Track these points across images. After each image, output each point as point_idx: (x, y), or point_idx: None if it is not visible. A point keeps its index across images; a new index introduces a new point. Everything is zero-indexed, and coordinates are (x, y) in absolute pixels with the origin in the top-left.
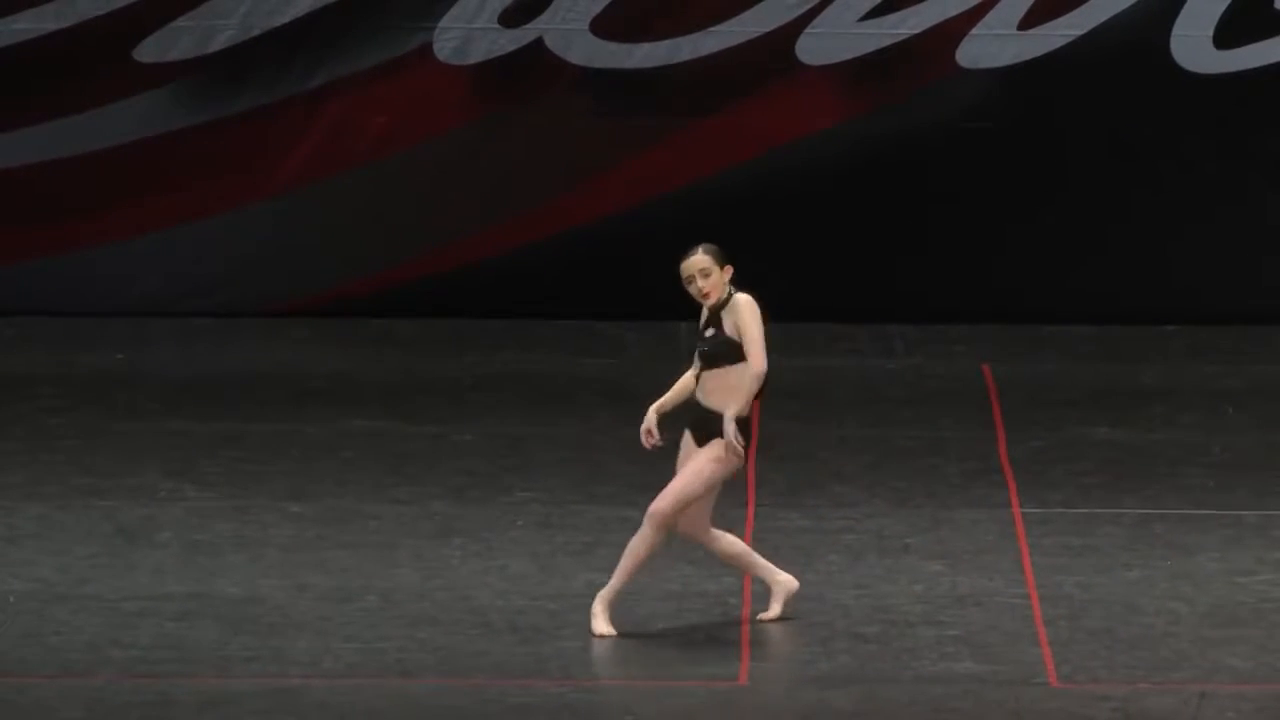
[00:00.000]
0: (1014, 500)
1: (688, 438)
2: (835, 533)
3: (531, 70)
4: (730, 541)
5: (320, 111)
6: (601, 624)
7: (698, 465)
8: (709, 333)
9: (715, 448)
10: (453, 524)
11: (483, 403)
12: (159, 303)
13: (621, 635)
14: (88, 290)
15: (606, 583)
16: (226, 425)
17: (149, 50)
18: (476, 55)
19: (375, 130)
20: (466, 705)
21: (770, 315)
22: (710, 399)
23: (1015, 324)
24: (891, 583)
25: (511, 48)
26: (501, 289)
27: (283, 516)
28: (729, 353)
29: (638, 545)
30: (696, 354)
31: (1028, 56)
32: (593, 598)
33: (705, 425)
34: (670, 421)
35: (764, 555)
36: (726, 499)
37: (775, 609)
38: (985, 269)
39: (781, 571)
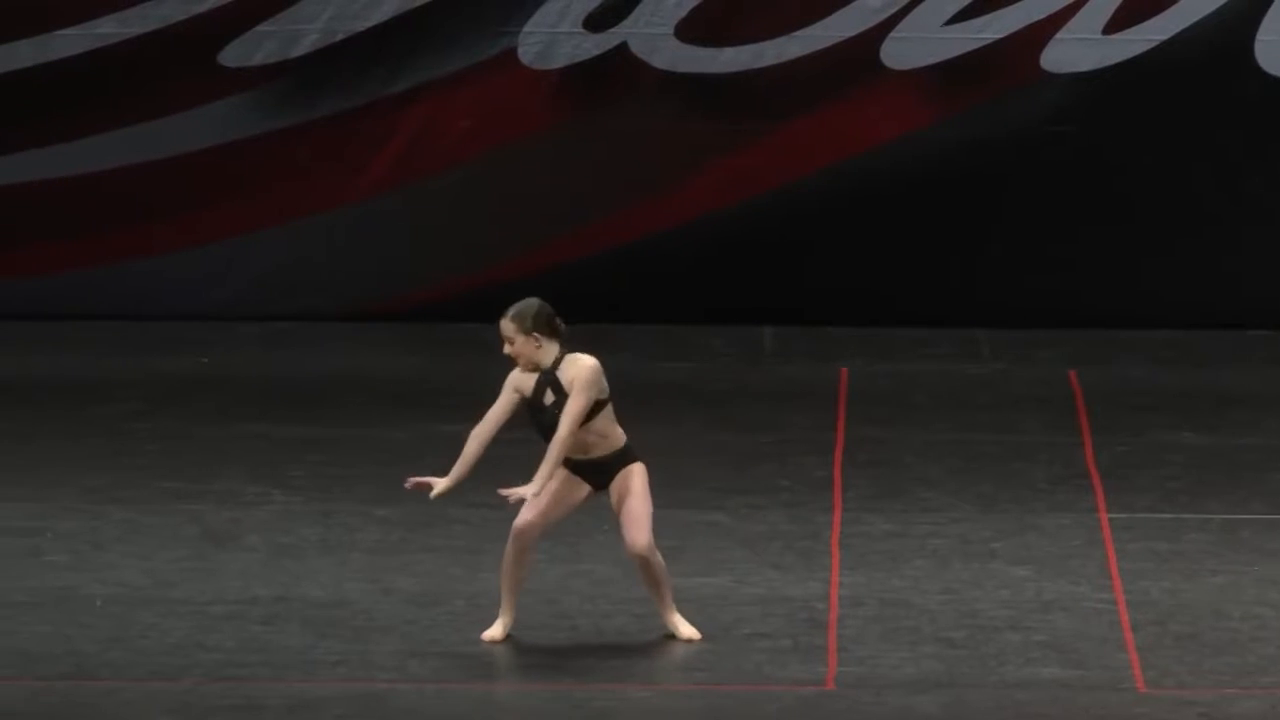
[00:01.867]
0: (1100, 505)
1: (573, 482)
2: (921, 538)
3: (615, 75)
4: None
5: (404, 116)
6: (690, 629)
7: (639, 487)
8: (549, 399)
9: (637, 472)
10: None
11: None
12: (244, 306)
13: (708, 640)
14: (172, 294)
15: (692, 586)
16: (312, 429)
17: (233, 55)
18: (560, 60)
19: (459, 134)
20: (552, 710)
21: (855, 320)
22: (598, 449)
23: (1100, 329)
24: (978, 588)
25: (595, 52)
26: (585, 293)
27: (368, 520)
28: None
29: (661, 574)
30: (554, 422)
31: (1112, 61)
32: (678, 601)
33: (609, 468)
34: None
35: (851, 560)
36: (812, 503)
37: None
38: (1069, 273)
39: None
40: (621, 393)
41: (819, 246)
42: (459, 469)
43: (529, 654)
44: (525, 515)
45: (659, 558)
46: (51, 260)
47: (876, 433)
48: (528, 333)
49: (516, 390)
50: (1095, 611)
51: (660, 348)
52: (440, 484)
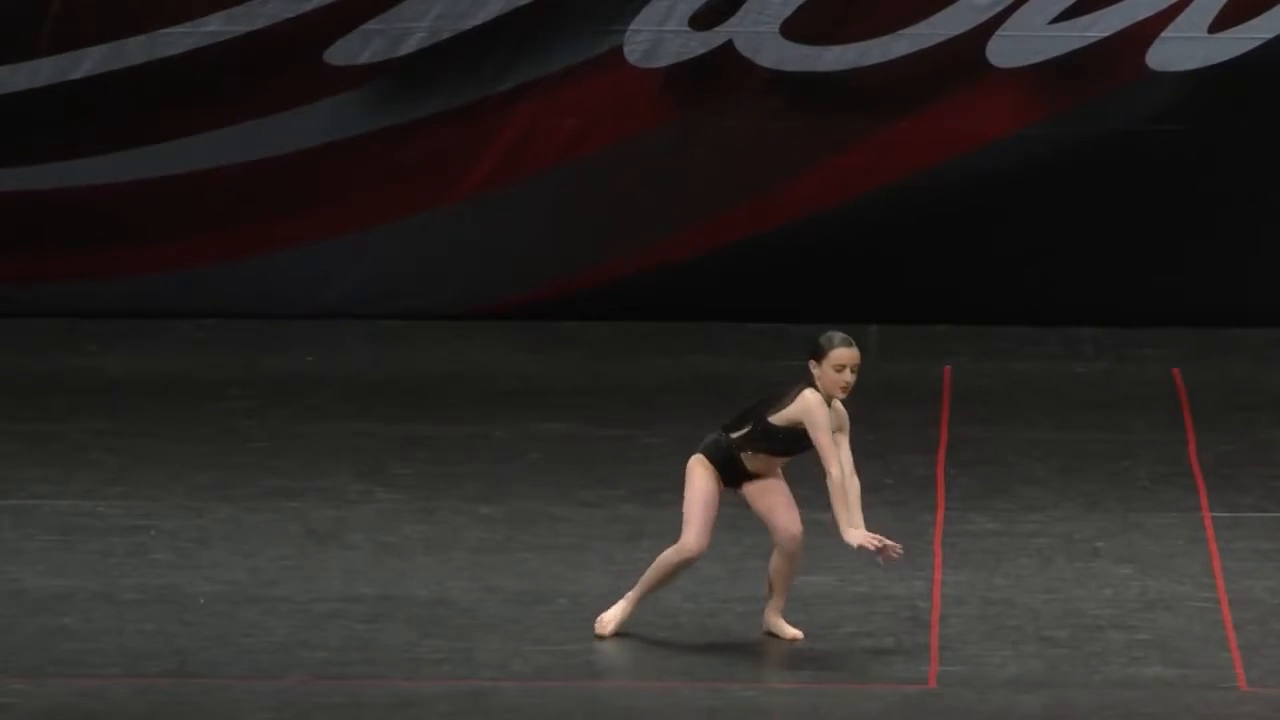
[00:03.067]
0: (1204, 504)
1: (715, 476)
2: (1025, 536)
3: (721, 73)
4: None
5: (510, 114)
6: (792, 630)
7: (781, 484)
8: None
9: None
10: (642, 526)
11: (672, 405)
12: (349, 305)
13: (811, 638)
14: (278, 293)
15: (796, 585)
16: (416, 427)
17: (340, 53)
18: (666, 58)
19: (565, 133)
20: (656, 708)
21: (960, 319)
22: (771, 469)
23: (1205, 327)
24: (1081, 586)
25: (701, 50)
26: (691, 292)
27: (472, 519)
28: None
29: (796, 569)
30: (792, 445)
31: (1218, 59)
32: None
33: (755, 477)
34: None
35: (954, 559)
36: (916, 502)
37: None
38: (1175, 272)
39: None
40: (729, 392)
41: (924, 245)
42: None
43: (632, 652)
44: (703, 538)
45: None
46: (160, 259)
47: (980, 431)
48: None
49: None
50: (1198, 610)
51: (766, 347)
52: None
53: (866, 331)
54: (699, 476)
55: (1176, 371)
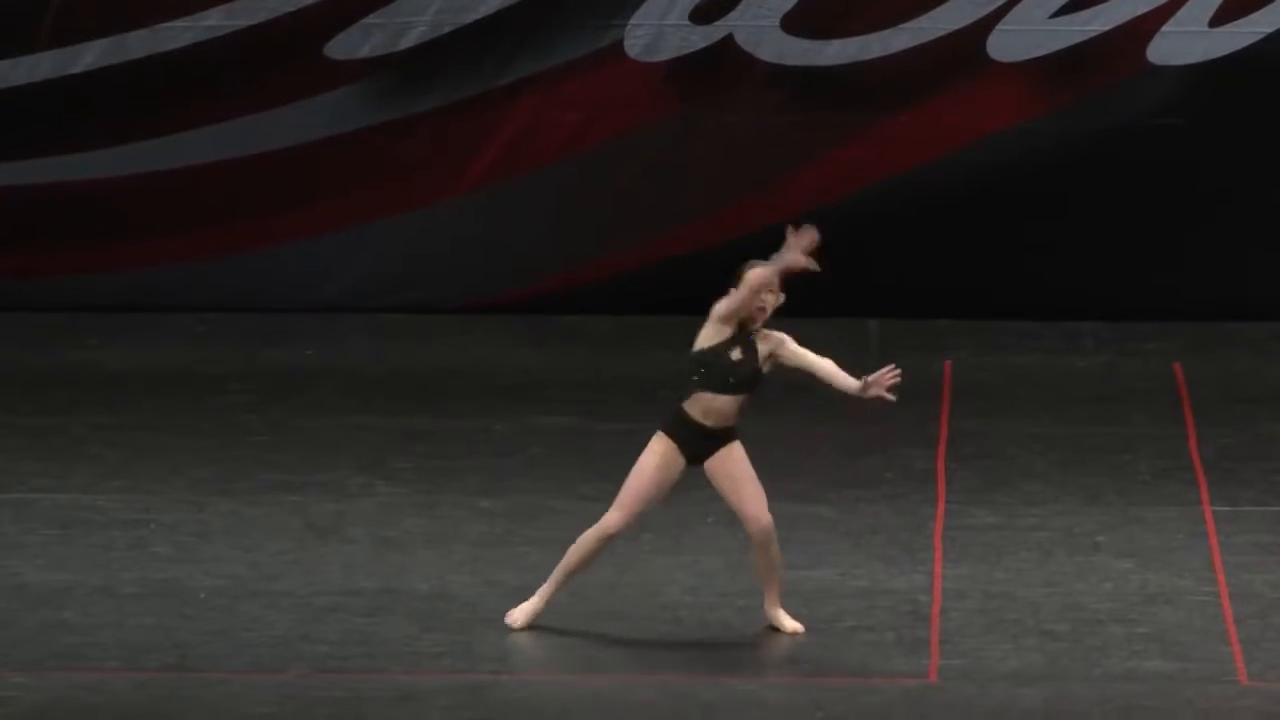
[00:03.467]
0: (1204, 498)
1: (676, 455)
2: (1025, 530)
3: (722, 67)
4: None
5: (511, 109)
6: (793, 622)
7: (747, 466)
8: (735, 354)
9: (739, 447)
10: (643, 520)
11: (672, 399)
12: (350, 299)
13: (811, 632)
14: (278, 287)
15: (796, 579)
16: (417, 421)
17: (340, 47)
18: (667, 52)
19: (566, 127)
20: (655, 701)
21: (960, 313)
22: (727, 421)
23: (1205, 321)
24: (1082, 580)
25: (702, 45)
26: (691, 286)
27: (473, 512)
28: (756, 378)
29: (778, 558)
30: (731, 378)
31: (1218, 53)
32: (783, 594)
33: (721, 439)
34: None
35: (954, 553)
36: (916, 495)
37: (519, 616)
38: (1175, 266)
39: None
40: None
41: (924, 239)
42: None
43: (632, 646)
44: (623, 518)
45: (774, 541)
46: (160, 253)
47: (980, 425)
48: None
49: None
50: (1199, 604)
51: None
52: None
53: (867, 325)
54: (650, 454)
55: (1177, 365)
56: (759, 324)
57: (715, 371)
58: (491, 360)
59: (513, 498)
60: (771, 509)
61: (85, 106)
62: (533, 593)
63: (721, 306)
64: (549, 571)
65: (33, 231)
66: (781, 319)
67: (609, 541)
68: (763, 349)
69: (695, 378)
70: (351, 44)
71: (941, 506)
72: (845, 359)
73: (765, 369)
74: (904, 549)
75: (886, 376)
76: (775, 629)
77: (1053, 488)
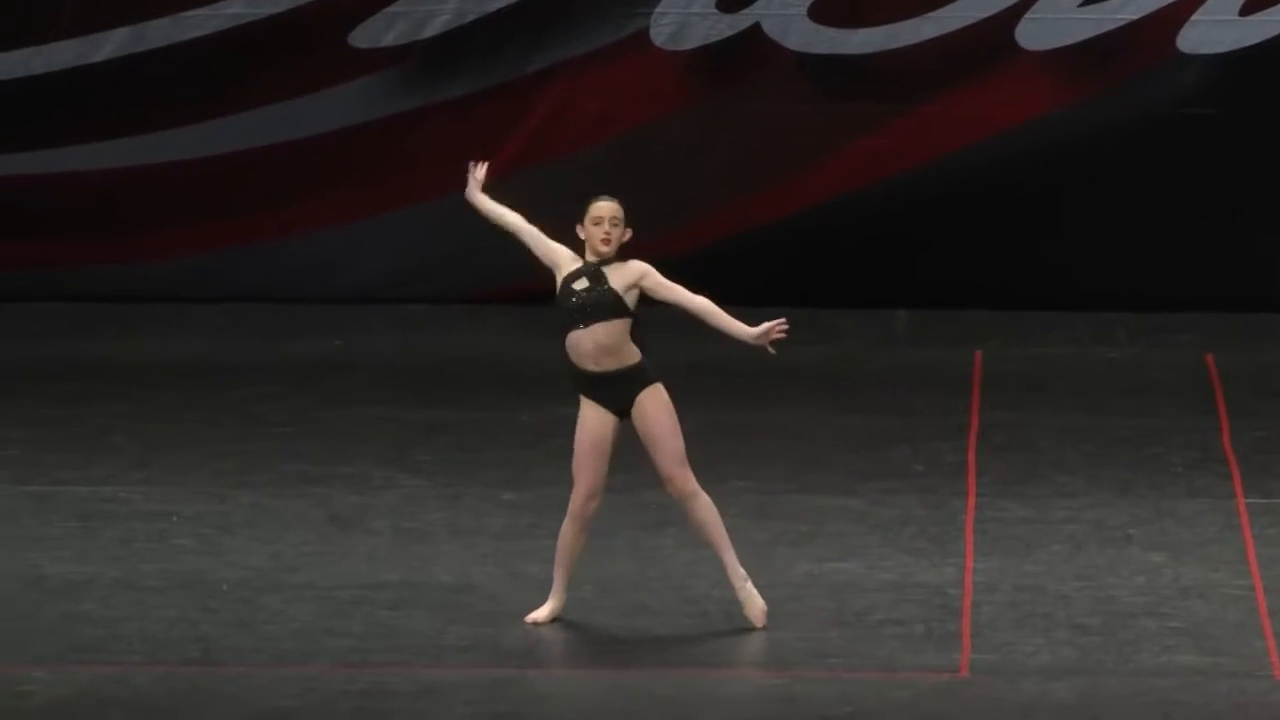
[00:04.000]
0: (1238, 490)
1: (600, 413)
2: (1057, 523)
3: (748, 56)
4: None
5: (535, 97)
6: (757, 608)
7: (667, 420)
8: (580, 285)
9: (659, 395)
10: (668, 513)
11: (697, 390)
12: (373, 289)
13: (840, 625)
14: (301, 277)
15: (824, 572)
16: (440, 412)
17: (364, 35)
18: (693, 40)
19: (591, 116)
20: (681, 695)
21: (991, 303)
22: (611, 359)
23: (1238, 313)
24: (1113, 573)
25: (728, 33)
26: (716, 276)
27: (496, 505)
28: (613, 305)
29: (715, 519)
30: (576, 308)
31: (1249, 42)
32: (811, 587)
33: (628, 385)
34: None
35: (985, 546)
36: (946, 488)
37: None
38: (1208, 256)
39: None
40: (754, 376)
41: (953, 229)
42: (487, 205)
43: (658, 639)
44: (584, 491)
45: (706, 499)
46: (182, 243)
47: (1011, 417)
48: (625, 225)
49: (555, 255)
50: (1232, 598)
51: (793, 330)
52: (477, 190)
53: (895, 316)
54: (582, 422)
55: (1209, 357)
56: (608, 252)
57: (564, 307)
58: (516, 351)
59: (537, 489)
60: (800, 501)
61: (106, 96)
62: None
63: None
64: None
65: (55, 221)
66: (806, 309)
67: (582, 518)
68: (621, 280)
69: (561, 312)
70: (375, 32)
71: (972, 499)
72: (872, 350)
73: (629, 300)
74: (934, 542)
75: (776, 329)
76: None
77: (1084, 480)
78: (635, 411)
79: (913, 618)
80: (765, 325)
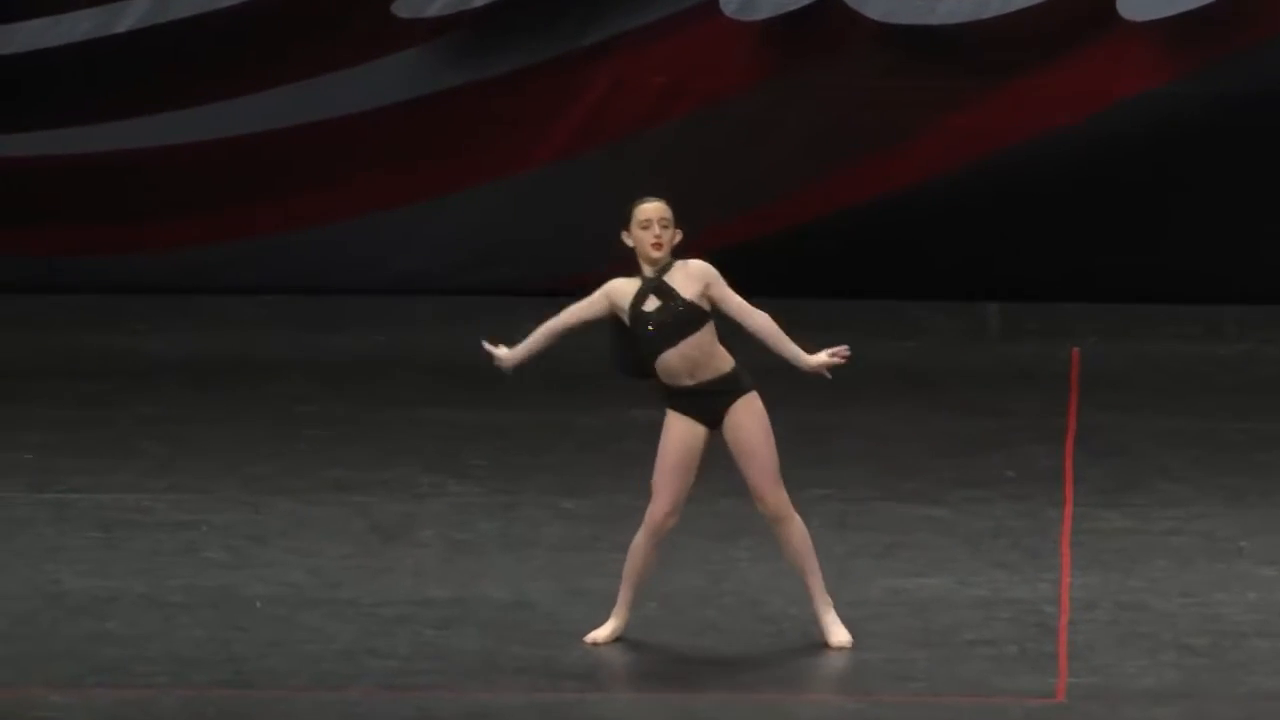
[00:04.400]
0: None
1: (689, 425)
2: (1161, 535)
3: (825, 26)
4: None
5: (594, 72)
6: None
7: (762, 433)
8: (651, 306)
9: (754, 406)
10: (742, 523)
11: (774, 389)
12: (419, 280)
13: (926, 646)
14: (342, 266)
15: (909, 587)
16: (493, 414)
17: (407, 5)
18: (765, 10)
19: (654, 92)
20: None
21: (1089, 296)
22: (706, 370)
23: None
24: (1223, 589)
25: (804, 2)
26: (791, 265)
27: (554, 514)
28: (694, 317)
29: (808, 547)
30: (656, 331)
31: None
32: (894, 604)
33: (722, 395)
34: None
35: (1083, 560)
36: (1041, 497)
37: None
38: None
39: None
40: (834, 374)
41: (1048, 215)
42: (523, 351)
43: (730, 661)
44: (663, 506)
45: (800, 524)
46: (213, 229)
47: (1112, 419)
48: (675, 225)
49: (609, 298)
50: None
51: (875, 325)
52: (505, 353)
53: (986, 310)
54: (665, 431)
55: None
56: (661, 257)
57: (643, 336)
58: (575, 346)
59: (598, 497)
60: (883, 510)
61: (128, 69)
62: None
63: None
64: None
65: (71, 206)
66: (888, 301)
67: (658, 534)
68: (689, 286)
69: (641, 341)
70: (419, 1)
71: (1069, 509)
72: (963, 346)
73: (705, 304)
74: (1028, 555)
75: (838, 355)
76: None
77: (1191, 488)
78: (728, 423)
79: (1005, 637)
80: (824, 353)
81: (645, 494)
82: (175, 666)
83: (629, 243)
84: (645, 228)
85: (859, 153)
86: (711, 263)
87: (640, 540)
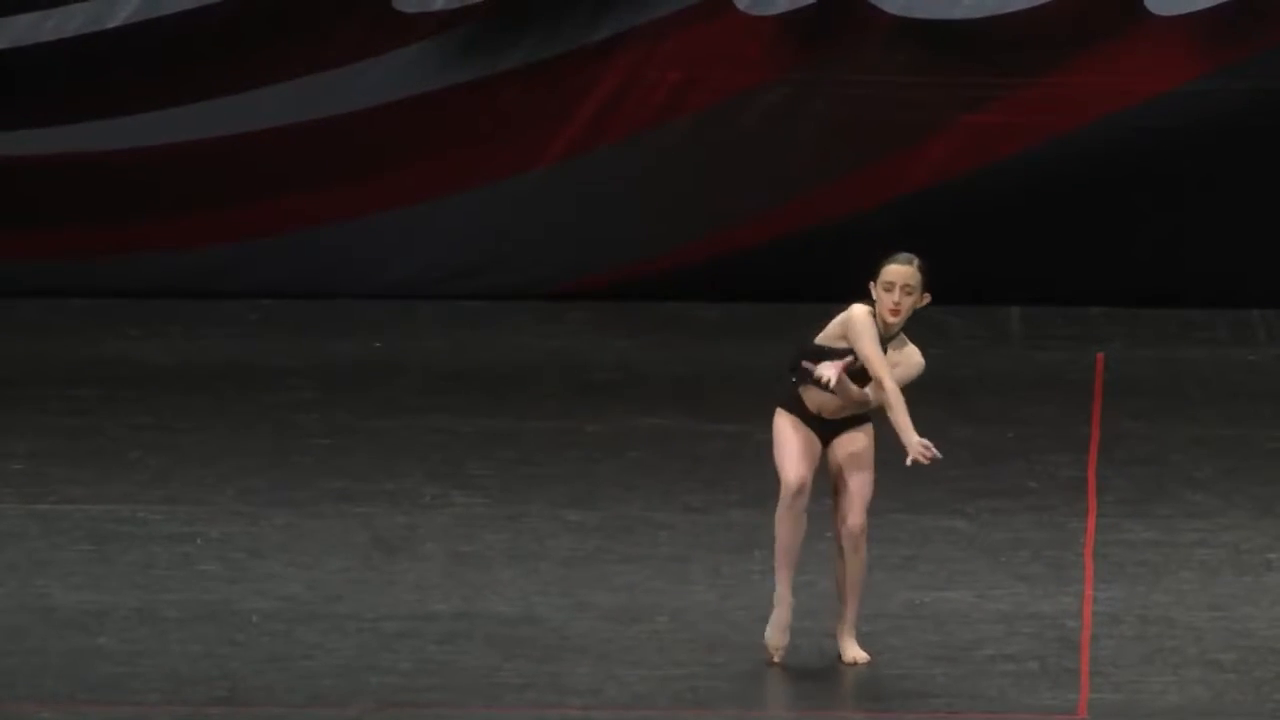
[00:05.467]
0: None
1: (804, 426)
2: (1188, 546)
3: (843, 21)
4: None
5: (604, 68)
6: (857, 651)
7: (869, 455)
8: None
9: (870, 430)
10: (754, 535)
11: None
12: (422, 283)
13: (945, 661)
14: (342, 269)
15: (928, 601)
16: (497, 422)
17: None
18: (781, 4)
19: (666, 89)
20: None
21: (1114, 299)
22: (839, 412)
23: None
24: (1252, 604)
25: None
26: (808, 268)
27: (561, 526)
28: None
29: (864, 576)
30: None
31: None
32: (913, 618)
33: (844, 424)
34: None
35: (1107, 572)
36: (1064, 508)
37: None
38: None
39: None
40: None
41: (1072, 216)
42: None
43: (742, 678)
44: (799, 470)
45: (865, 556)
46: (206, 231)
47: (1137, 427)
48: (921, 290)
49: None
50: None
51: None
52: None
53: (1008, 314)
54: (784, 424)
55: None
56: (896, 324)
57: (825, 358)
58: (582, 353)
59: (607, 509)
60: (901, 522)
61: (121, 65)
62: (626, 618)
63: (867, 349)
64: (646, 593)
65: (59, 206)
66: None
67: (795, 510)
68: (892, 356)
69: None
70: None
71: (1092, 520)
72: (984, 351)
73: None
74: (1050, 567)
75: (928, 455)
76: (839, 658)
77: (1219, 498)
78: (843, 439)
79: (1026, 653)
80: (921, 445)
81: (654, 504)
82: (169, 683)
83: (874, 295)
84: (888, 290)
85: (878, 152)
86: (724, 268)
87: (785, 520)
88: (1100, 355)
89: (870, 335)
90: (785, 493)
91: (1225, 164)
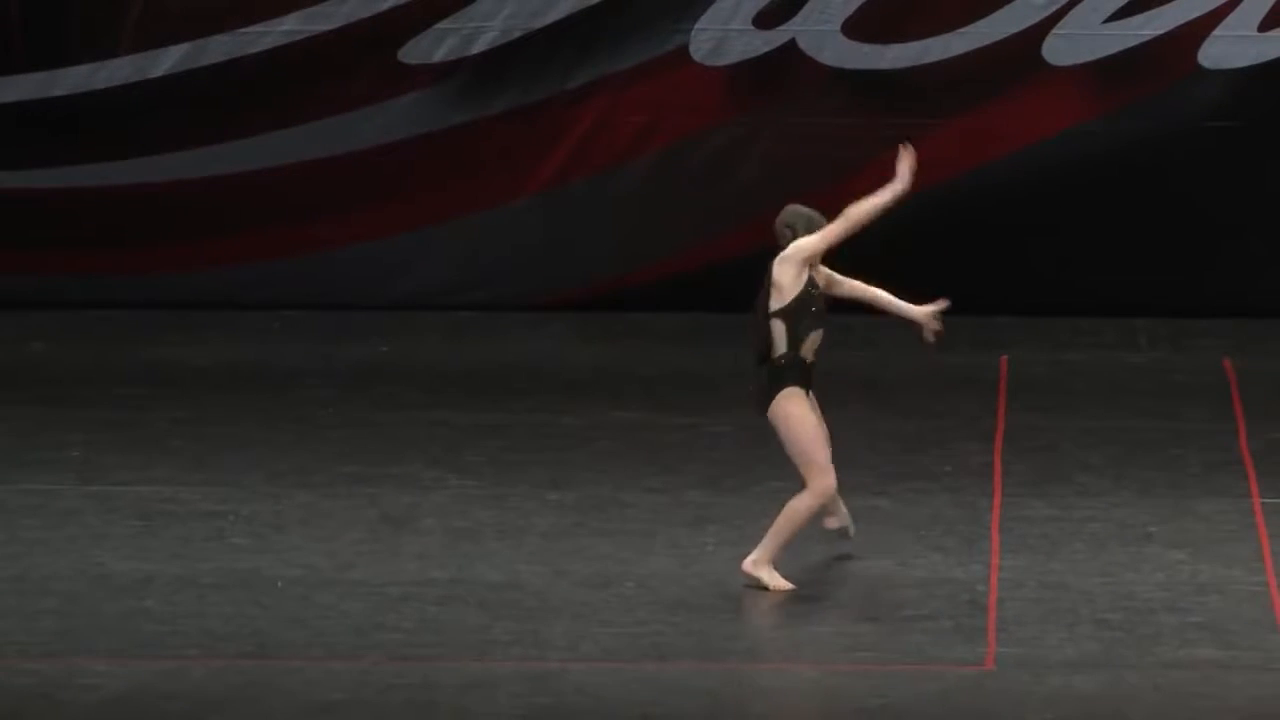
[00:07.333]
0: (1254, 490)
1: (807, 397)
2: (1080, 522)
3: (785, 71)
4: None
5: (579, 111)
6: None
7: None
8: (816, 290)
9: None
10: (707, 512)
11: (737, 395)
12: (425, 297)
13: (872, 620)
14: (355, 284)
15: (857, 569)
16: (489, 416)
17: (414, 52)
18: (732, 56)
19: (633, 129)
20: (720, 688)
21: (1016, 310)
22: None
23: (1256, 318)
24: (1135, 570)
25: (765, 49)
26: (756, 283)
27: (543, 504)
28: None
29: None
30: (817, 311)
31: (1269, 57)
32: (845, 584)
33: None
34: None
35: (1011, 544)
36: (974, 488)
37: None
38: (1228, 265)
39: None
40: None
41: (982, 237)
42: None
43: (695, 634)
44: (831, 476)
45: (798, 496)
46: (240, 252)
47: (1036, 420)
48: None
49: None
50: (1248, 594)
51: (831, 338)
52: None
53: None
54: (797, 409)
55: (1227, 362)
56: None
57: (814, 308)
58: (560, 357)
59: (581, 490)
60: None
61: (166, 110)
62: (598, 583)
63: (808, 248)
64: (616, 562)
65: (117, 232)
66: (843, 317)
67: (828, 504)
68: (819, 279)
69: (805, 319)
70: (425, 49)
71: (999, 499)
72: (907, 356)
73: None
74: (962, 540)
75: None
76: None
77: (1107, 481)
78: (811, 399)
79: (942, 613)
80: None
81: (623, 486)
82: (206, 640)
83: (820, 241)
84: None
85: (816, 184)
86: (684, 285)
87: (810, 506)
88: (1004, 358)
89: (808, 240)
90: (825, 494)
91: (1113, 193)
